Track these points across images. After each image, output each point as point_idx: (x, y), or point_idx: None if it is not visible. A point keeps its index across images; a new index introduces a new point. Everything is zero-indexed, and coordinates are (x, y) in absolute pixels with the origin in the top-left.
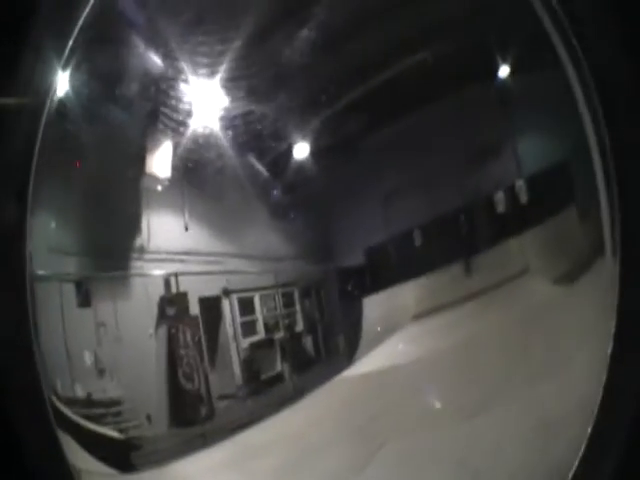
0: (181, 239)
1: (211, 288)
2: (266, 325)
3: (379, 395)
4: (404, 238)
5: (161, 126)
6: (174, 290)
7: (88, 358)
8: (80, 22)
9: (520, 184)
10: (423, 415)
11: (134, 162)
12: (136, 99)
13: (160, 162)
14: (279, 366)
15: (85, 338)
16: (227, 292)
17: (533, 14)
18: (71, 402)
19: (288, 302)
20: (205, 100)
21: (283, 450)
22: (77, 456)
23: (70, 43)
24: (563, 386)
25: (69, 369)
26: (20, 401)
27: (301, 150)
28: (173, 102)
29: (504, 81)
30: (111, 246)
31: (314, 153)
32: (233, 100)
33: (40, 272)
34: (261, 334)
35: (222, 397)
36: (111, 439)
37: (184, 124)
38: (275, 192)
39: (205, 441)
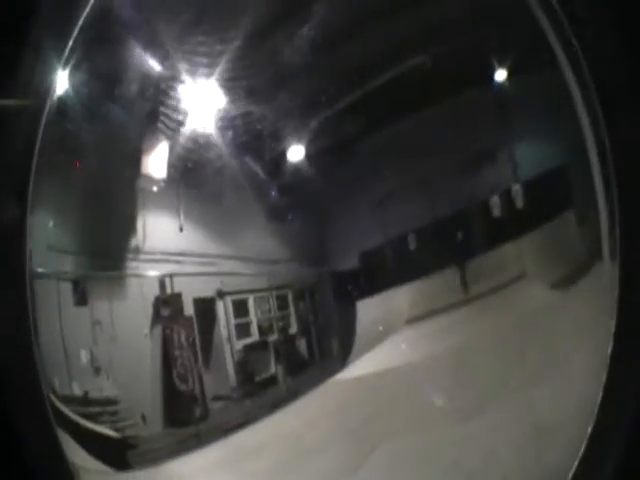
0: (176, 240)
1: (205, 289)
2: (260, 327)
3: (373, 398)
4: (399, 242)
5: (160, 126)
6: (169, 291)
7: (84, 356)
8: (80, 22)
9: (517, 188)
10: (417, 418)
11: (132, 162)
12: (135, 99)
13: (157, 162)
14: (273, 368)
15: (82, 336)
16: (221, 294)
17: (531, 15)
18: (69, 400)
19: (282, 304)
20: (204, 100)
21: (276, 451)
22: (75, 454)
23: (70, 43)
24: (560, 390)
25: (66, 367)
26: (20, 398)
27: (298, 152)
28: (172, 102)
29: (502, 83)
30: (108, 246)
31: (311, 155)
32: (232, 101)
33: (40, 270)
34: (255, 336)
35: (216, 398)
36: (107, 438)
37: (183, 124)
38: (271, 194)
39: (199, 441)
